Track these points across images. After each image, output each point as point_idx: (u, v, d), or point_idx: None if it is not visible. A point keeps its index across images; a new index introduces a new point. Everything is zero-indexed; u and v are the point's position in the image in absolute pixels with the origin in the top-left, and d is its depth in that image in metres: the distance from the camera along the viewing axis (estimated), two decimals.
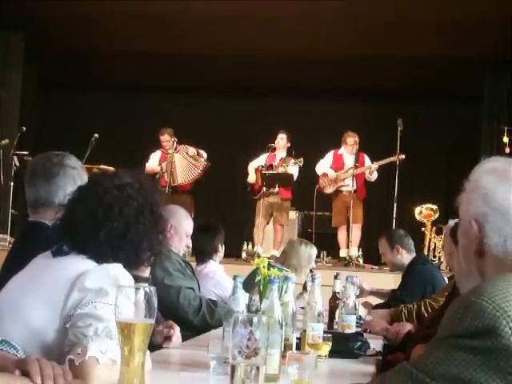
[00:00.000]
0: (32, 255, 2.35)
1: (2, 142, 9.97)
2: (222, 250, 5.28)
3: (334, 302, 4.03)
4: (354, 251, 9.89)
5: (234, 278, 2.66)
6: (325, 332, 2.97)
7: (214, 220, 5.99)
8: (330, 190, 10.09)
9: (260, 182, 9.97)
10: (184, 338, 3.13)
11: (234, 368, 1.67)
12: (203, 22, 10.47)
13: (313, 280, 3.14)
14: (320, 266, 8.98)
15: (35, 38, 10.95)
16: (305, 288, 4.69)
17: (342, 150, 10.18)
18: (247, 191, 10.25)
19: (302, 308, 3.07)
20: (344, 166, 10.06)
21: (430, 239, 9.67)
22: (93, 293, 2.08)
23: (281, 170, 10.04)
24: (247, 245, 10.30)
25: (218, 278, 5.10)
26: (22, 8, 10.30)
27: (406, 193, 10.53)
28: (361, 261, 9.86)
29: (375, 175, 10.01)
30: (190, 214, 4.74)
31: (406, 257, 5.74)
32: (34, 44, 11.16)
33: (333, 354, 2.93)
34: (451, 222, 3.70)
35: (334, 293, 4.14)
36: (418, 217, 9.97)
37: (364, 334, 3.77)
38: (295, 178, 9.96)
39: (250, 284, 2.73)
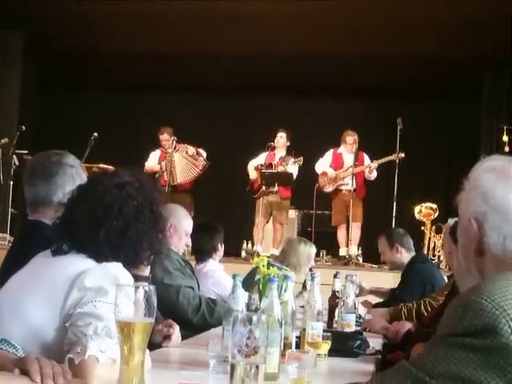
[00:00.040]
0: (31, 254, 2.35)
1: (2, 140, 9.97)
2: (221, 248, 5.29)
3: (334, 301, 4.04)
4: (354, 250, 9.89)
5: (234, 276, 2.66)
6: (324, 331, 2.97)
7: (214, 219, 5.99)
8: (329, 188, 10.09)
9: (259, 180, 9.97)
10: (183, 337, 3.13)
11: (233, 367, 1.67)
12: (203, 22, 10.47)
13: (312, 279, 3.14)
14: (319, 265, 8.98)
15: (34, 37, 10.95)
16: (304, 287, 4.69)
17: (342, 149, 10.18)
18: (247, 190, 10.25)
19: (302, 307, 3.07)
20: (343, 165, 10.06)
21: (429, 238, 9.67)
22: (92, 292, 2.08)
23: (280, 168, 10.04)
24: (247, 244, 10.30)
25: (218, 276, 5.10)
26: (22, 7, 10.29)
27: (406, 192, 10.53)
28: (360, 260, 9.86)
29: (375, 174, 10.01)
30: (189, 213, 4.74)
31: (405, 256, 5.74)
32: (33, 43, 11.16)
33: (332, 352, 2.93)
34: (451, 221, 3.70)
35: (334, 292, 4.15)
36: (417, 216, 9.97)
37: (363, 332, 3.77)
38: (295, 176, 9.97)
39: (249, 283, 2.73)
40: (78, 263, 2.17)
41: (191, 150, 10.20)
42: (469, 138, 11.71)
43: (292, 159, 10.00)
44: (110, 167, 7.55)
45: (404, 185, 10.15)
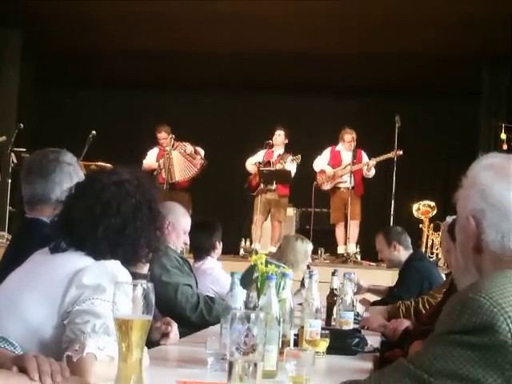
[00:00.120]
0: (29, 252, 2.35)
1: (0, 138, 9.96)
2: (219, 246, 5.29)
3: (332, 299, 4.04)
4: (352, 248, 9.89)
5: (232, 274, 2.66)
6: (322, 328, 2.97)
7: (212, 217, 5.99)
8: (327, 186, 10.09)
9: (258, 178, 9.97)
10: (182, 335, 3.13)
11: (231, 364, 1.67)
12: (203, 21, 10.47)
13: (310, 276, 3.13)
14: (318, 263, 8.98)
15: (33, 36, 10.94)
16: (302, 284, 4.69)
17: (340, 147, 10.18)
18: (245, 188, 10.25)
19: (300, 304, 3.07)
20: (341, 163, 10.06)
21: (427, 236, 9.68)
22: (90, 289, 2.08)
23: (278, 166, 10.04)
24: (245, 241, 10.30)
25: (216, 274, 5.10)
26: (21, 6, 10.29)
27: (404, 189, 10.54)
28: (358, 257, 9.86)
29: (373, 172, 10.01)
30: (187, 210, 4.74)
31: (403, 253, 5.74)
32: (32, 42, 11.15)
33: (330, 350, 2.93)
34: (449, 219, 3.70)
35: (332, 289, 4.15)
36: (415, 213, 9.98)
37: (362, 330, 3.77)
38: (293, 174, 9.96)
39: (246, 280, 2.72)
40: (76, 261, 2.17)
41: (189, 148, 10.20)
42: (467, 136, 11.70)
43: (290, 157, 10.00)
44: (108, 165, 7.53)
45: (402, 183, 10.15)
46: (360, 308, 5.02)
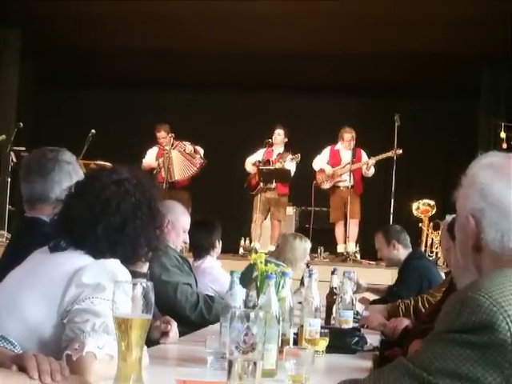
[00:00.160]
0: (29, 251, 2.35)
1: None
2: (219, 245, 5.28)
3: (332, 298, 4.04)
4: (352, 247, 9.89)
5: (231, 273, 2.66)
6: (322, 327, 2.98)
7: (212, 215, 5.98)
8: (327, 185, 10.08)
9: (257, 177, 9.97)
10: (181, 334, 3.13)
11: (231, 363, 1.68)
12: (203, 20, 10.46)
13: (310, 275, 3.13)
14: (317, 262, 8.99)
15: (33, 35, 10.94)
16: (302, 283, 4.69)
17: (339, 146, 10.17)
18: (245, 187, 10.25)
19: (300, 303, 3.07)
20: (341, 162, 10.06)
21: (427, 235, 9.69)
22: (90, 288, 2.08)
23: (278, 165, 10.04)
24: (245, 240, 10.31)
25: (216, 273, 5.10)
26: (20, 5, 10.28)
27: (404, 188, 10.54)
28: (358, 256, 9.87)
29: (372, 171, 10.01)
30: (187, 209, 4.73)
31: (402, 252, 5.74)
32: (31, 40, 11.15)
33: (330, 349, 2.93)
34: (448, 218, 3.70)
35: (332, 288, 4.15)
36: (415, 212, 9.99)
37: (361, 329, 3.77)
38: (292, 173, 9.96)
39: (246, 278, 2.73)
40: (75, 260, 2.17)
41: (189, 147, 10.19)
42: (467, 135, 11.70)
43: (290, 156, 10.00)
44: (108, 164, 7.53)
45: (402, 181, 10.15)
46: (359, 307, 5.01)
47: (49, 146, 3.09)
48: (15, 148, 9.55)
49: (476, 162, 1.60)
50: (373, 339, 3.45)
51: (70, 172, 2.94)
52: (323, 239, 10.06)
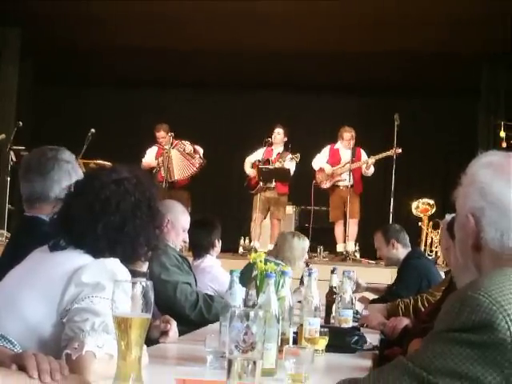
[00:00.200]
0: (28, 250, 2.35)
1: None
2: (218, 244, 5.29)
3: (331, 297, 4.04)
4: (351, 246, 9.89)
5: (231, 272, 2.66)
6: (322, 326, 2.98)
7: (211, 215, 5.98)
8: (326, 185, 10.08)
9: (257, 176, 9.97)
10: (181, 333, 3.13)
11: (230, 362, 1.68)
12: (203, 19, 10.46)
13: (310, 274, 3.14)
14: (317, 261, 9.00)
15: (33, 34, 10.93)
16: (302, 282, 4.69)
17: (339, 145, 10.17)
18: (244, 186, 10.25)
19: (299, 302, 3.07)
20: (340, 161, 10.06)
21: (426, 234, 9.69)
22: (90, 287, 2.08)
23: (277, 165, 10.04)
24: (244, 240, 10.31)
25: (215, 272, 5.10)
26: (20, 4, 10.28)
27: (403, 187, 10.54)
28: (357, 255, 9.87)
29: (372, 170, 10.01)
30: (186, 209, 4.73)
31: (401, 251, 5.74)
32: (31, 40, 11.15)
33: (329, 348, 2.94)
34: (448, 217, 3.70)
35: (331, 287, 4.15)
36: (414, 211, 9.99)
37: (361, 328, 3.78)
38: (292, 172, 9.96)
39: (245, 277, 2.73)
40: (75, 259, 2.17)
41: (188, 147, 10.19)
42: (466, 134, 11.70)
43: (289, 155, 10.00)
44: (108, 163, 7.53)
45: (401, 180, 10.15)
46: (359, 306, 5.01)
47: (48, 145, 3.09)
48: (15, 147, 9.55)
49: (476, 160, 1.60)
50: (372, 338, 3.45)
51: (69, 171, 2.94)
52: (323, 238, 10.07)
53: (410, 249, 5.82)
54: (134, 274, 2.29)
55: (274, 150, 10.21)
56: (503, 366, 1.30)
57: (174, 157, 10.14)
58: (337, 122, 10.54)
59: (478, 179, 1.55)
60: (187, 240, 4.51)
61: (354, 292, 4.52)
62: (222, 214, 8.50)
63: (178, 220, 4.35)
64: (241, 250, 10.10)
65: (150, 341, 2.71)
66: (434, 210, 9.81)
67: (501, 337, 1.30)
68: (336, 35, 10.65)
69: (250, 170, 10.18)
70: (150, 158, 10.31)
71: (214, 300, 4.15)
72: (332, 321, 3.91)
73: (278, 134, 10.20)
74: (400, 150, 9.65)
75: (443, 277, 5.17)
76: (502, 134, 9.91)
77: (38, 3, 10.16)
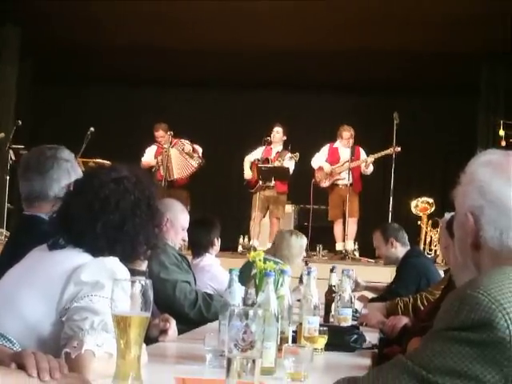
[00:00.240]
0: (28, 249, 2.35)
1: None
2: (218, 243, 5.29)
3: (330, 296, 4.04)
4: (350, 245, 9.89)
5: (230, 271, 2.66)
6: (321, 325, 2.98)
7: (210, 213, 5.99)
8: (326, 183, 10.08)
9: (256, 175, 9.97)
10: (180, 332, 3.13)
11: (229, 361, 1.67)
12: (203, 18, 10.46)
13: (309, 273, 3.14)
14: (316, 260, 9.00)
15: (32, 33, 10.93)
16: (301, 281, 4.69)
17: (338, 144, 10.17)
18: (243, 185, 10.26)
19: (298, 301, 3.07)
20: (340, 160, 10.06)
21: (426, 232, 9.69)
22: (89, 286, 2.08)
23: (277, 163, 10.04)
24: (243, 238, 10.31)
25: (214, 271, 5.10)
26: (20, 3, 10.27)
27: (402, 186, 10.54)
28: (357, 254, 9.87)
29: (371, 168, 10.01)
30: (186, 207, 4.73)
31: (400, 250, 5.74)
32: (30, 39, 11.14)
33: (329, 347, 2.94)
34: (447, 216, 3.70)
35: (330, 286, 4.15)
36: (414, 210, 9.98)
37: (360, 327, 3.77)
38: (291, 171, 9.97)
39: (244, 275, 2.73)
40: (74, 257, 2.17)
41: (187, 147, 10.19)
42: (466, 133, 11.70)
43: (289, 154, 10.01)
44: (107, 162, 7.53)
45: (400, 179, 10.15)
46: (358, 305, 5.01)
47: (48, 144, 3.09)
48: (14, 146, 9.55)
49: (475, 159, 1.60)
50: (371, 337, 3.45)
51: (68, 170, 2.94)
52: (322, 237, 10.06)
53: (408, 247, 5.82)
54: (134, 272, 2.30)
55: (273, 149, 10.21)
56: (502, 365, 1.30)
57: (173, 156, 10.14)
58: (336, 121, 10.54)
59: (477, 178, 1.55)
60: (186, 239, 4.52)
61: (353, 291, 4.51)
62: (221, 212, 8.51)
63: (178, 219, 4.35)
64: (240, 248, 10.09)
65: (149, 339, 2.71)
66: (433, 208, 9.81)
67: (500, 335, 1.30)
68: (336, 34, 10.65)
69: (248, 172, 10.18)
70: (149, 156, 10.32)
71: (214, 299, 4.15)
72: (331, 319, 3.91)
73: (277, 133, 10.20)
74: (399, 149, 9.65)
75: (442, 275, 5.17)
76: (502, 132, 9.91)
77: (37, 3, 10.16)
